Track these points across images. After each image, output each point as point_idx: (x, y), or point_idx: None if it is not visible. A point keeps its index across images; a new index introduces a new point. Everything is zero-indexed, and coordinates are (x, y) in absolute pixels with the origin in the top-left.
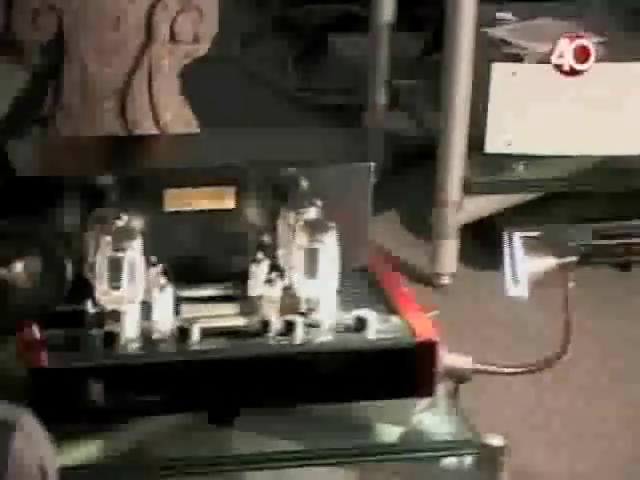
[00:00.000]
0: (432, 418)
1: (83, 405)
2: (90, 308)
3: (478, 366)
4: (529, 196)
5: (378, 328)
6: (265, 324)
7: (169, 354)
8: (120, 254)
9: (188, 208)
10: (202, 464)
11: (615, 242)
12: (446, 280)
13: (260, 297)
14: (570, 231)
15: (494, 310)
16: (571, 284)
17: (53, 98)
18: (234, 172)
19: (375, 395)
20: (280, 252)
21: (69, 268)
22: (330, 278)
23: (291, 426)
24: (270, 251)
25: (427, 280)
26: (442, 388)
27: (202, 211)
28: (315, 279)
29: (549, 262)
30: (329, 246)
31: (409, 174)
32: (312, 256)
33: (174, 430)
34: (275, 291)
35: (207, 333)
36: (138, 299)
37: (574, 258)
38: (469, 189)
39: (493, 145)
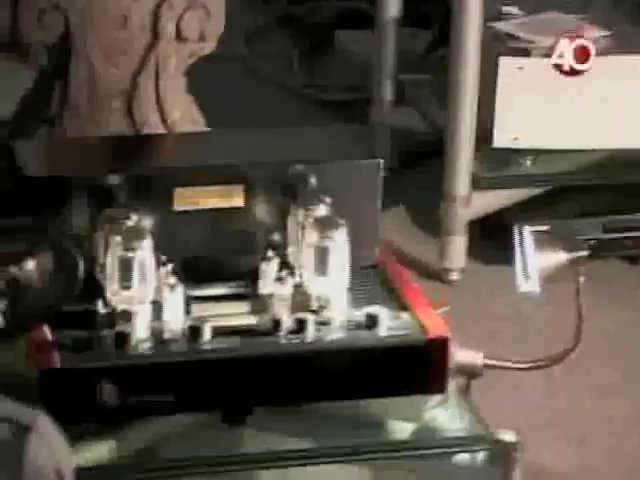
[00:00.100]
0: (444, 414)
1: (95, 406)
2: (101, 308)
3: (489, 362)
4: (536, 191)
5: (389, 325)
6: (276, 322)
7: (180, 354)
8: (130, 254)
9: (197, 207)
10: (214, 463)
11: (624, 235)
12: (455, 276)
13: (271, 295)
14: (578, 225)
15: (504, 305)
16: (582, 279)
17: (60, 98)
18: (243, 170)
19: (387, 392)
20: (290, 250)
21: (81, 267)
22: (340, 275)
23: (302, 424)
24: (280, 249)
25: (436, 276)
26: (453, 384)
27: (211, 210)
28: (325, 276)
29: (559, 257)
30: (339, 243)
31: (416, 170)
32: (322, 253)
33: (186, 429)
34: (286, 289)
35: (218, 332)
36: (149, 299)
37: (584, 252)
38: (477, 184)
39: (500, 140)
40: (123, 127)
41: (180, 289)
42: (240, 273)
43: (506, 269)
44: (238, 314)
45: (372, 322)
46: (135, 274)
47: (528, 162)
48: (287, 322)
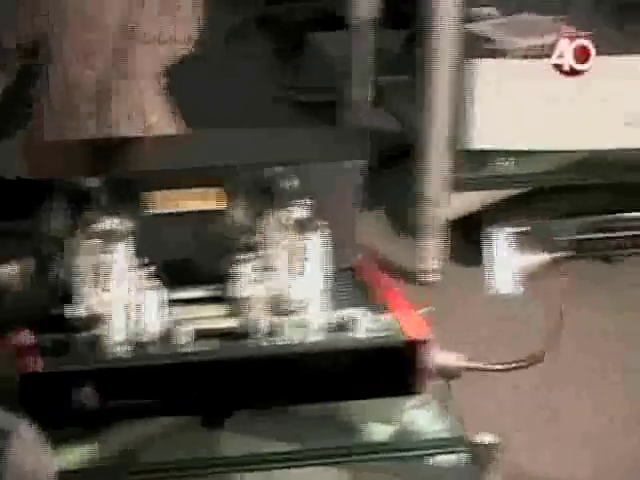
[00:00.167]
0: (424, 416)
1: (74, 409)
2: (78, 312)
3: (469, 363)
4: (514, 191)
5: (368, 327)
6: (254, 325)
7: (159, 356)
8: (107, 257)
9: (176, 209)
10: (193, 467)
11: (601, 236)
12: (433, 277)
13: (248, 298)
14: (555, 226)
15: (482, 306)
16: (561, 279)
17: (36, 101)
18: (221, 172)
19: (367, 394)
20: (268, 252)
21: (60, 270)
22: (318, 277)
23: (283, 427)
24: (257, 251)
25: (414, 277)
26: (433, 386)
27: (190, 212)
28: (303, 278)
29: (537, 257)
30: (317, 245)
31: (393, 171)
32: (300, 255)
33: (166, 432)
34: (263, 291)
35: (197, 335)
36: (126, 301)
37: (563, 253)
38: (456, 186)
39: (478, 141)
40: (100, 130)
41: (159, 292)
42: (219, 275)
43: (485, 270)
44: (216, 317)
45: (351, 324)
46: (111, 277)
47: (506, 163)
48: (265, 324)
